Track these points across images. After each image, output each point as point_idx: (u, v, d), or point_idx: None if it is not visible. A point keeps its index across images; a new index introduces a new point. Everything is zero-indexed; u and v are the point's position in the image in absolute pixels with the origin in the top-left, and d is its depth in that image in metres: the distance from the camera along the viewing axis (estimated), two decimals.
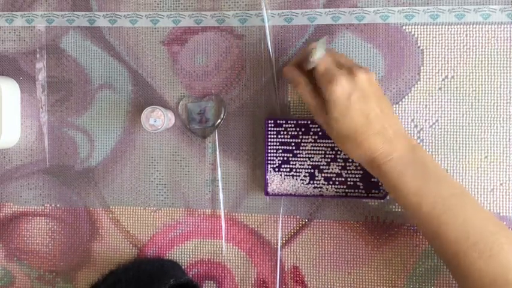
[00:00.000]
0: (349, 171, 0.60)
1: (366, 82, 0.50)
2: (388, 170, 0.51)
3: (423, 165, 0.51)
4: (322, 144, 0.60)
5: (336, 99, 0.49)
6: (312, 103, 0.53)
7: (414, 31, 0.60)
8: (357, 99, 0.50)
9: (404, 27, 0.60)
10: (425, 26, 0.60)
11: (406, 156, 0.51)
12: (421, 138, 0.60)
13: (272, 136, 0.61)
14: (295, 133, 0.61)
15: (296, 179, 0.61)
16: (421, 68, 0.60)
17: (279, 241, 0.62)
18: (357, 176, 0.60)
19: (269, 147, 0.61)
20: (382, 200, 0.60)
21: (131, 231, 0.65)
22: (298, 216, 0.62)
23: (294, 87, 0.54)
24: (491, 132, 0.59)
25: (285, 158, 0.61)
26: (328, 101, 0.50)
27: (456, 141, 0.59)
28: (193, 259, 0.64)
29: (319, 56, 0.50)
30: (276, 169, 0.61)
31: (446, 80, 0.60)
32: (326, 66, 0.51)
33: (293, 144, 0.61)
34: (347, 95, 0.49)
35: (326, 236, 0.61)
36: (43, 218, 0.66)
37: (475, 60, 0.59)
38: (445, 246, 0.49)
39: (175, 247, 0.64)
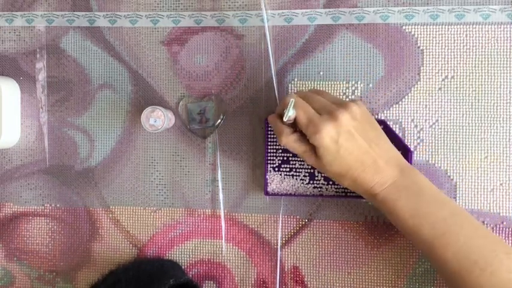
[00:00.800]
0: None
1: (349, 120, 0.51)
2: (383, 198, 0.52)
3: (418, 188, 0.52)
4: None
5: (325, 146, 0.51)
6: (299, 150, 0.54)
7: (414, 31, 0.60)
8: (345, 140, 0.51)
9: (404, 27, 0.60)
10: (425, 26, 0.60)
11: (399, 182, 0.52)
12: (421, 138, 0.60)
13: (272, 136, 0.61)
14: None
15: (296, 179, 0.61)
16: (421, 68, 0.60)
17: (279, 241, 0.62)
18: None
19: (269, 147, 0.61)
20: None
21: (131, 231, 0.65)
22: (298, 216, 0.62)
23: (277, 137, 0.54)
24: (491, 132, 0.59)
25: (285, 158, 0.61)
26: (318, 148, 0.51)
27: (456, 141, 0.59)
28: (193, 259, 0.64)
29: (290, 115, 0.52)
30: (276, 169, 0.61)
31: (446, 80, 0.60)
32: (307, 117, 0.52)
33: None
34: (334, 139, 0.51)
35: (326, 236, 0.61)
36: (43, 218, 0.66)
37: (475, 60, 0.59)
38: (446, 266, 0.50)
39: (175, 247, 0.64)
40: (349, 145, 0.51)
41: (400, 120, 0.60)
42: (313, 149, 0.53)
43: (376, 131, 0.54)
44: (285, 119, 0.52)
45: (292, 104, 0.51)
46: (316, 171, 0.60)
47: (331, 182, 0.60)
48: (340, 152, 0.51)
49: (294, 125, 0.54)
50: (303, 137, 0.53)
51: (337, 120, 0.50)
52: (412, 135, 0.60)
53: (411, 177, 0.52)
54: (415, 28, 0.60)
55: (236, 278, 0.63)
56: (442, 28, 0.59)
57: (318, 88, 0.61)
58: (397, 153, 0.54)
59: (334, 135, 0.50)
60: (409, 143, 0.60)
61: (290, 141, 0.54)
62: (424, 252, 0.52)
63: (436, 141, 0.60)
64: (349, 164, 0.52)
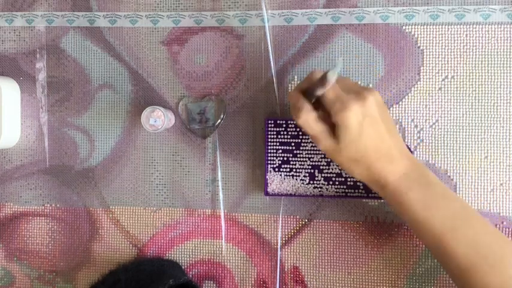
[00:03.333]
0: None
1: (375, 104, 0.50)
2: (394, 188, 0.51)
3: (428, 182, 0.52)
4: None
5: (349, 125, 0.49)
6: (317, 130, 0.51)
7: (414, 31, 0.60)
8: (369, 124, 0.50)
9: (404, 27, 0.60)
10: (425, 26, 0.60)
11: (410, 173, 0.51)
12: (421, 138, 0.60)
13: (272, 136, 0.61)
14: (295, 133, 0.61)
15: (296, 179, 0.61)
16: (421, 68, 0.60)
17: (279, 241, 0.62)
18: None
19: (269, 147, 0.61)
20: (382, 200, 0.60)
21: (131, 231, 0.65)
22: (298, 216, 0.62)
23: (295, 113, 0.52)
24: (491, 132, 0.59)
25: (285, 158, 0.61)
26: (341, 127, 0.49)
27: (456, 141, 0.59)
28: (193, 259, 0.64)
29: (336, 75, 0.48)
30: (276, 169, 0.61)
31: (446, 80, 0.60)
32: (335, 93, 0.50)
33: (293, 144, 0.61)
34: (359, 120, 0.49)
35: (326, 236, 0.61)
36: (43, 218, 0.66)
37: (475, 60, 0.59)
38: (455, 261, 0.50)
39: (175, 247, 0.64)
40: (372, 130, 0.50)
41: (400, 120, 0.60)
42: (331, 131, 0.51)
43: (392, 122, 0.53)
44: (331, 78, 0.47)
45: (341, 63, 0.47)
46: (316, 171, 0.60)
47: (331, 182, 0.60)
48: (362, 135, 0.49)
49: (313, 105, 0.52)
50: (322, 117, 0.51)
51: (364, 101, 0.49)
52: (412, 135, 0.60)
53: (421, 170, 0.52)
54: (415, 28, 0.60)
55: (236, 278, 0.63)
56: (442, 28, 0.59)
57: None
58: (405, 146, 0.54)
59: (360, 116, 0.49)
60: (409, 143, 0.60)
61: (310, 118, 0.51)
62: (431, 247, 0.52)
63: (436, 141, 0.60)
64: (366, 150, 0.50)
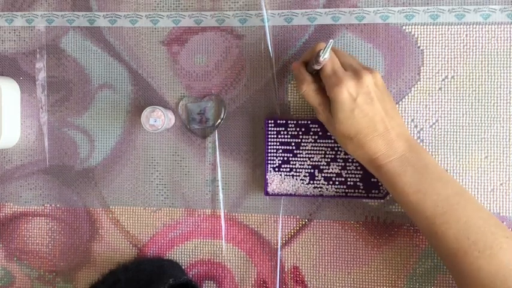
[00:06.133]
0: (349, 171, 0.60)
1: (372, 84, 0.51)
2: (388, 170, 0.52)
3: (423, 165, 0.51)
4: (322, 144, 0.60)
5: (342, 101, 0.50)
6: (315, 102, 0.53)
7: (414, 31, 0.60)
8: (363, 101, 0.50)
9: (404, 27, 0.60)
10: (425, 26, 0.60)
11: (406, 157, 0.51)
12: (421, 138, 0.60)
13: (272, 136, 0.61)
14: (295, 133, 0.61)
15: (296, 179, 0.61)
16: (421, 68, 0.60)
17: (279, 241, 0.62)
18: (357, 176, 0.60)
19: (269, 147, 0.61)
20: (382, 200, 0.60)
21: (131, 231, 0.65)
22: (298, 216, 0.62)
23: (298, 84, 0.54)
24: (491, 132, 0.59)
25: (285, 158, 0.61)
26: (334, 102, 0.51)
27: (456, 141, 0.59)
28: (193, 259, 0.64)
29: (326, 57, 0.50)
30: (276, 169, 0.61)
31: (446, 80, 0.60)
32: (333, 68, 0.51)
33: (293, 144, 0.61)
34: (353, 97, 0.50)
35: (326, 236, 0.61)
36: (43, 218, 0.66)
37: (475, 60, 0.59)
38: (445, 245, 0.50)
39: (175, 247, 0.64)
40: (366, 107, 0.50)
41: (403, 119, 0.60)
42: (329, 104, 0.52)
43: (392, 104, 0.53)
44: (321, 58, 0.50)
45: (331, 44, 0.49)
46: (316, 171, 0.60)
47: (331, 182, 0.60)
48: (355, 111, 0.50)
49: (315, 78, 0.54)
50: (321, 90, 0.53)
51: (360, 79, 0.50)
52: (412, 135, 0.60)
53: (418, 154, 0.52)
54: (415, 28, 0.60)
55: (236, 278, 0.63)
56: (442, 28, 0.59)
57: None
58: (407, 130, 0.54)
59: (353, 93, 0.50)
60: None
61: (310, 89, 0.53)
62: (423, 230, 0.52)
63: (436, 141, 0.60)
64: (360, 127, 0.51)
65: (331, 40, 0.49)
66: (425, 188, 0.50)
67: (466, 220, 0.49)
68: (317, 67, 0.52)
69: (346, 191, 0.60)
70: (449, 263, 0.50)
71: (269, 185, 0.61)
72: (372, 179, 0.59)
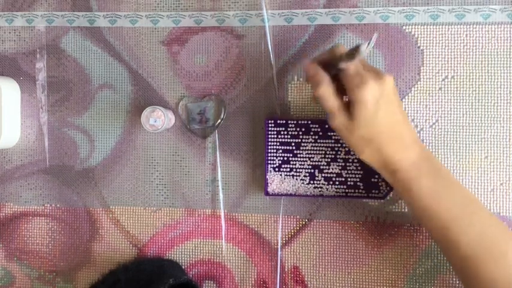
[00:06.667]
0: (349, 172, 0.60)
1: (392, 87, 0.50)
2: (404, 174, 0.51)
3: (437, 171, 0.52)
4: (322, 144, 0.60)
5: (366, 102, 0.49)
6: (334, 104, 0.50)
7: (414, 31, 0.60)
8: (385, 103, 0.49)
9: (404, 27, 0.60)
10: (425, 26, 0.60)
11: (421, 162, 0.51)
12: (421, 138, 0.60)
13: (272, 136, 0.61)
14: (295, 133, 0.61)
15: (296, 179, 0.61)
16: (421, 68, 0.60)
17: (279, 241, 0.62)
18: (357, 176, 0.60)
19: (269, 147, 0.61)
20: (382, 200, 0.60)
21: (131, 231, 0.65)
22: (298, 216, 0.62)
23: (313, 86, 0.51)
24: (491, 132, 0.59)
25: (285, 158, 0.61)
26: (357, 103, 0.49)
27: (456, 141, 0.59)
28: (193, 259, 0.64)
29: (367, 51, 0.47)
30: (276, 169, 0.61)
31: (446, 80, 0.60)
32: (355, 68, 0.50)
33: (293, 144, 0.61)
34: (376, 98, 0.49)
35: (326, 236, 0.61)
36: (43, 218, 0.66)
37: (475, 60, 0.59)
38: (459, 252, 0.50)
39: (175, 247, 0.64)
40: (388, 109, 0.50)
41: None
42: (347, 107, 0.50)
43: (404, 111, 0.53)
44: (365, 50, 0.47)
45: (376, 38, 0.47)
46: (316, 171, 0.60)
47: (331, 182, 0.60)
48: (378, 113, 0.49)
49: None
50: (338, 93, 0.51)
51: (382, 81, 0.49)
52: None
53: (431, 160, 0.52)
54: (415, 28, 0.60)
55: (236, 278, 0.63)
56: (442, 28, 0.59)
57: None
58: (419, 137, 0.54)
59: (377, 93, 0.49)
60: None
61: (329, 91, 0.50)
62: (437, 236, 0.52)
63: (436, 141, 0.60)
64: (380, 129, 0.50)
65: (375, 34, 0.47)
66: (440, 193, 0.51)
67: (480, 226, 0.49)
68: (345, 65, 0.49)
69: (346, 191, 0.60)
70: (462, 271, 0.50)
71: (269, 185, 0.61)
72: (372, 179, 0.59)
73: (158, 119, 0.58)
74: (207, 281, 0.63)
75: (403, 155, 0.51)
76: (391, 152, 0.51)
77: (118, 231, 0.65)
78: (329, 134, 0.60)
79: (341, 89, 0.51)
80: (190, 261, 0.64)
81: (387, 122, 0.50)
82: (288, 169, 0.61)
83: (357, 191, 0.60)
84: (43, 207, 0.66)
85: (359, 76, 0.49)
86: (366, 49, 0.47)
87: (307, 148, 0.60)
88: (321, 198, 0.61)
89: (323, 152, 0.60)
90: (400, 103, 0.52)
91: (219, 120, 0.62)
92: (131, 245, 0.65)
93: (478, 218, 0.50)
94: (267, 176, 0.61)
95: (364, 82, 0.48)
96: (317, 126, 0.60)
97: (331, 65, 0.51)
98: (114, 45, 0.65)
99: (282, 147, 0.61)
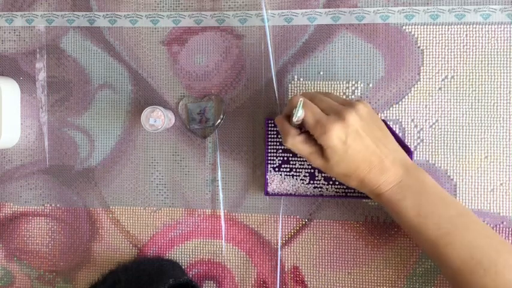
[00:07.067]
0: None
1: (357, 121, 0.51)
2: (388, 197, 0.52)
3: (423, 188, 0.52)
4: None
5: (333, 146, 0.51)
6: (305, 152, 0.53)
7: (414, 31, 0.60)
8: (353, 140, 0.51)
9: (404, 27, 0.60)
10: (425, 26, 0.60)
11: (404, 181, 0.52)
12: (421, 138, 0.60)
13: (272, 136, 0.61)
14: None
15: (296, 179, 0.61)
16: (421, 68, 0.60)
17: (279, 241, 0.62)
18: None
19: (269, 147, 0.61)
20: None
21: (131, 231, 0.65)
22: (298, 216, 0.62)
23: (283, 138, 0.54)
24: (491, 132, 0.59)
25: (285, 158, 0.61)
26: (326, 149, 0.51)
27: (456, 141, 0.59)
28: (193, 259, 0.64)
29: (300, 115, 0.51)
30: (276, 169, 0.61)
31: (446, 80, 0.60)
32: (314, 117, 0.51)
33: None
34: (342, 140, 0.50)
35: (326, 236, 0.61)
36: (43, 218, 0.66)
37: (475, 60, 0.59)
38: (450, 265, 0.50)
39: (175, 247, 0.64)
40: (357, 145, 0.51)
41: (400, 120, 0.60)
42: (320, 150, 0.52)
43: (383, 131, 0.53)
44: (294, 120, 0.51)
45: (301, 104, 0.50)
46: (316, 171, 0.60)
47: (331, 182, 0.60)
48: (348, 152, 0.51)
49: (300, 127, 0.54)
50: (309, 138, 0.53)
51: (344, 120, 0.50)
52: (412, 135, 0.60)
53: (416, 176, 0.52)
54: (415, 28, 0.60)
55: (236, 278, 0.63)
56: (442, 28, 0.59)
57: (318, 88, 0.61)
58: (402, 153, 0.54)
59: (342, 136, 0.50)
60: (409, 143, 0.60)
61: (296, 142, 0.53)
62: (427, 252, 0.52)
63: (436, 141, 0.60)
64: (356, 165, 0.52)
65: (300, 99, 0.50)
66: (427, 210, 0.51)
67: (470, 240, 0.49)
68: (295, 124, 0.53)
69: (346, 191, 0.60)
70: (455, 283, 0.51)
71: (269, 185, 0.61)
72: None
73: (158, 119, 0.58)
74: (207, 281, 0.63)
75: (383, 179, 0.52)
76: (372, 179, 0.52)
77: (118, 231, 0.65)
78: None
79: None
80: (190, 261, 0.64)
81: (361, 155, 0.51)
82: (288, 169, 0.61)
83: (356, 191, 0.60)
84: (43, 207, 0.66)
85: (319, 124, 0.51)
86: (294, 117, 0.51)
87: None
88: (321, 198, 0.61)
89: None
90: (372, 127, 0.52)
91: (219, 120, 0.62)
92: (131, 245, 0.65)
93: (468, 232, 0.50)
94: (267, 176, 0.61)
95: (326, 130, 0.50)
96: None
97: (290, 119, 0.54)
98: (114, 45, 0.65)
99: (282, 147, 0.61)
